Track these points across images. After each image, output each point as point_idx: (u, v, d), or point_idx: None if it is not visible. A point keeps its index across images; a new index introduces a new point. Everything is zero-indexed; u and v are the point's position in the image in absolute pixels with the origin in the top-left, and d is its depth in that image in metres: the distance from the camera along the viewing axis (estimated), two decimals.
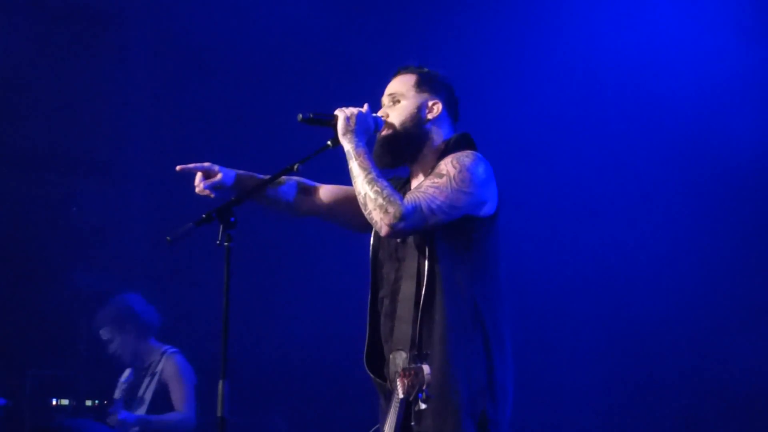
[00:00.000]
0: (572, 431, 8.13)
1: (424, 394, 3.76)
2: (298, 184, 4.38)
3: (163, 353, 7.11)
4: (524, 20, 8.42)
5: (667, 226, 8.25)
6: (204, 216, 4.02)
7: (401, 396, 3.82)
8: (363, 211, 4.05)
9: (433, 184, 4.02)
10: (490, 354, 4.03)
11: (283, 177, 4.31)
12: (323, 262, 8.69)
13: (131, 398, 6.94)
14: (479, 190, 4.05)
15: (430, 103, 4.24)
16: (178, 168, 4.26)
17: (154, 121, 8.67)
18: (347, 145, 4.12)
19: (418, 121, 4.22)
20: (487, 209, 4.09)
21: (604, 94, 8.34)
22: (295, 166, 4.19)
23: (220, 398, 3.96)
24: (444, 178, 4.02)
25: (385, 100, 4.28)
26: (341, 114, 4.17)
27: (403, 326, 4.04)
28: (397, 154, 4.23)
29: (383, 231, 4.00)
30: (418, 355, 3.88)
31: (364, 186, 4.04)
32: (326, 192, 4.37)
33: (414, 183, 4.23)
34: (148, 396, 6.99)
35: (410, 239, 4.10)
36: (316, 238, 8.61)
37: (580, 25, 8.35)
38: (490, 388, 4.02)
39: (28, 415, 8.18)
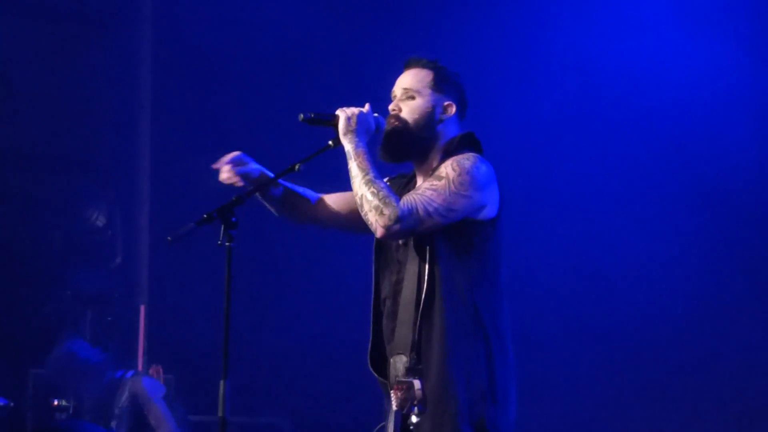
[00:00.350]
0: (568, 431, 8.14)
1: (416, 408, 3.78)
2: (305, 193, 4.38)
3: (125, 381, 7.09)
4: (525, 22, 8.43)
5: (663, 227, 8.27)
6: (205, 216, 4.02)
7: (395, 408, 3.84)
8: (360, 211, 4.05)
9: (431, 186, 4.01)
10: (491, 358, 4.02)
11: (301, 189, 4.32)
12: (326, 261, 8.69)
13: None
14: (478, 193, 4.03)
15: (444, 104, 4.21)
16: (214, 166, 4.26)
17: (155, 120, 8.67)
18: (347, 145, 4.11)
19: (431, 122, 4.20)
20: (488, 212, 4.08)
21: (602, 98, 8.36)
22: (297, 166, 4.19)
23: (221, 398, 3.96)
24: (443, 181, 4.01)
25: (398, 92, 4.24)
26: (342, 114, 4.16)
27: (404, 330, 4.04)
28: (405, 152, 4.21)
29: (378, 232, 4.00)
30: (417, 361, 3.89)
31: (361, 187, 4.03)
32: (331, 200, 4.37)
33: (419, 181, 4.22)
34: (125, 425, 6.98)
35: (411, 242, 4.09)
36: (319, 237, 8.57)
37: (582, 29, 8.36)
38: (492, 393, 4.00)
39: (30, 415, 8.18)
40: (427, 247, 4.04)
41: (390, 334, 4.13)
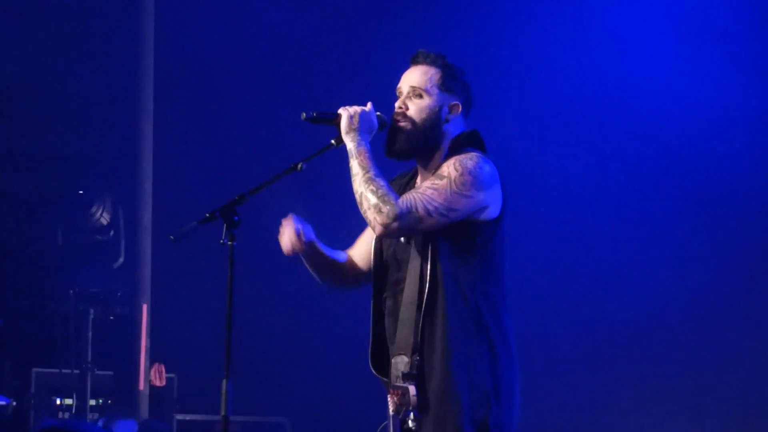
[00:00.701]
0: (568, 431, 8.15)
1: (412, 414, 3.79)
2: (336, 255, 4.37)
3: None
4: (527, 24, 8.44)
5: (662, 229, 8.30)
6: (207, 215, 4.01)
7: (390, 412, 3.85)
8: (360, 210, 4.04)
9: (432, 185, 4.00)
10: (495, 358, 4.01)
11: (343, 257, 4.31)
12: None
13: None
14: (480, 193, 4.01)
15: (451, 104, 4.17)
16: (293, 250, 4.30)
17: (158, 120, 8.67)
18: (349, 143, 4.10)
19: (438, 122, 4.17)
20: (491, 213, 4.05)
21: (600, 99, 8.38)
22: (299, 165, 4.17)
23: (223, 397, 3.96)
24: (444, 180, 3.99)
25: (405, 88, 4.20)
26: (345, 112, 4.15)
27: (405, 330, 4.02)
28: (411, 150, 4.19)
29: (377, 230, 3.99)
30: (420, 362, 3.89)
31: (361, 185, 4.02)
32: (355, 255, 4.36)
33: (420, 179, 4.21)
34: None
35: (413, 241, 4.07)
36: (321, 236, 8.60)
37: (584, 36, 8.37)
38: (495, 393, 3.99)
39: (33, 413, 8.19)
40: (430, 246, 4.02)
41: (392, 334, 4.13)
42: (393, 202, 3.96)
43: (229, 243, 3.99)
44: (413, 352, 3.98)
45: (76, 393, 8.21)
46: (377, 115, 4.18)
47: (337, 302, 8.39)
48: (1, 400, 7.18)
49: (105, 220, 8.41)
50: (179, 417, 8.28)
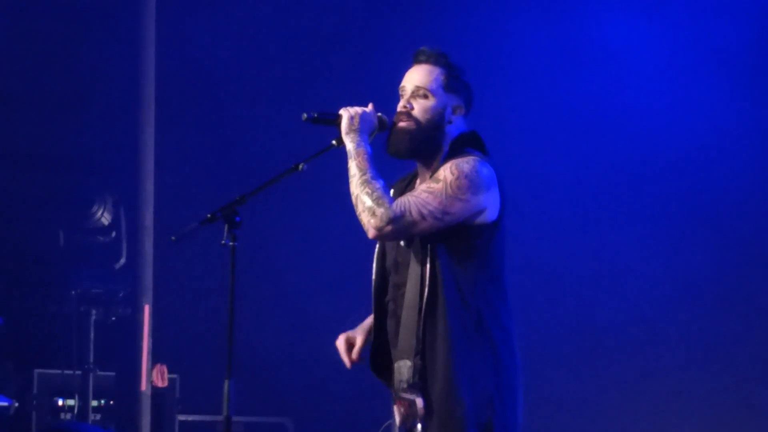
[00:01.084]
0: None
1: (420, 425, 3.80)
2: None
3: None
4: (529, 26, 8.44)
5: (659, 231, 8.33)
6: (209, 215, 4.01)
7: (398, 424, 3.86)
8: (355, 211, 4.04)
9: (428, 188, 3.99)
10: (497, 360, 4.00)
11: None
12: (330, 261, 8.69)
13: None
14: (476, 197, 4.00)
15: (454, 105, 4.17)
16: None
17: (159, 120, 8.66)
18: (349, 144, 4.10)
19: (441, 123, 4.16)
20: (488, 216, 4.04)
21: (598, 103, 8.40)
22: (300, 166, 4.18)
23: (225, 398, 3.96)
24: (440, 184, 3.98)
25: (409, 87, 4.19)
26: (345, 113, 4.15)
27: (408, 334, 4.02)
28: (414, 151, 4.18)
29: (370, 233, 3.98)
30: (422, 366, 3.90)
31: (357, 187, 4.02)
32: None
33: (420, 180, 4.20)
34: None
35: (413, 245, 4.07)
36: (323, 237, 8.61)
37: (583, 44, 8.40)
38: (499, 395, 3.98)
39: (35, 415, 8.19)
40: (429, 250, 4.02)
41: (394, 337, 4.13)
42: (387, 205, 3.95)
43: (231, 244, 3.99)
44: (415, 356, 3.98)
45: (78, 394, 8.21)
46: (378, 116, 4.19)
47: (339, 303, 8.39)
48: (3, 401, 7.17)
49: (106, 220, 8.41)
50: (181, 418, 8.29)
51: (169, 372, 8.13)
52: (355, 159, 4.06)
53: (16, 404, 7.38)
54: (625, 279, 8.39)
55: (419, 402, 3.80)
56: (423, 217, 3.95)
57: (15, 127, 8.70)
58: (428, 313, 3.99)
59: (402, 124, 4.16)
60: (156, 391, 8.06)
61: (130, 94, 8.59)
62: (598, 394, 8.31)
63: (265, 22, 8.73)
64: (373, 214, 3.95)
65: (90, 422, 8.13)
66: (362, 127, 4.12)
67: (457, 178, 3.99)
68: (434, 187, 3.99)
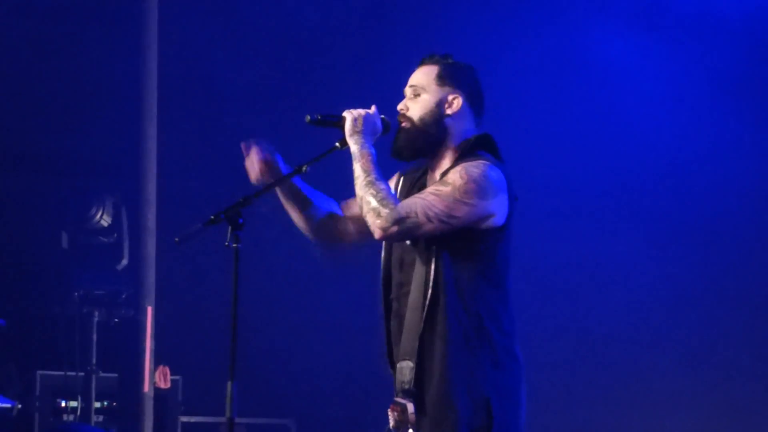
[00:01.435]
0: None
1: (411, 430, 3.82)
2: (333, 213, 4.33)
3: None
4: (532, 28, 8.45)
5: (657, 234, 8.35)
6: (212, 217, 4.01)
7: (391, 426, 3.87)
8: (361, 213, 4.04)
9: (435, 191, 3.99)
10: (497, 364, 3.99)
11: (325, 197, 4.29)
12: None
13: None
14: (483, 202, 3.99)
15: (450, 98, 4.16)
16: (247, 157, 4.25)
17: (162, 121, 8.67)
18: (353, 146, 4.10)
19: (437, 117, 4.16)
20: (495, 221, 4.03)
21: (596, 107, 8.42)
22: (304, 168, 4.18)
23: (228, 400, 3.96)
24: (448, 188, 3.97)
25: (407, 91, 4.21)
26: (349, 115, 4.15)
27: (410, 335, 4.02)
28: (414, 149, 4.18)
29: (376, 234, 3.98)
30: (420, 368, 3.90)
31: (362, 188, 4.02)
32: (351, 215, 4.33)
33: (429, 178, 4.20)
34: None
35: (419, 247, 4.07)
36: None
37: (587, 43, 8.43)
38: (498, 400, 3.97)
39: (37, 416, 8.19)
40: (434, 252, 4.01)
41: (396, 336, 4.13)
42: (392, 206, 3.95)
43: (234, 245, 3.98)
44: (415, 358, 3.98)
45: (80, 395, 8.21)
46: (381, 118, 4.19)
47: (343, 305, 8.40)
48: (6, 403, 7.17)
49: (105, 222, 8.40)
50: (184, 419, 8.29)
51: (172, 373, 8.13)
52: (360, 161, 4.06)
53: (19, 406, 7.38)
54: (623, 283, 8.41)
55: (410, 407, 3.82)
56: (429, 219, 3.95)
57: (18, 128, 8.70)
58: (429, 315, 3.99)
59: (401, 125, 4.17)
60: (159, 393, 8.06)
61: (133, 95, 8.60)
62: (597, 395, 8.32)
63: (267, 23, 8.73)
64: (379, 215, 3.95)
65: (92, 424, 8.13)
66: (366, 129, 4.12)
67: (466, 182, 3.98)
68: (442, 190, 3.98)
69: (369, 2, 8.81)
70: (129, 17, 8.69)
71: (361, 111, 4.16)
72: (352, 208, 4.27)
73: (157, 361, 8.14)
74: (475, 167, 4.03)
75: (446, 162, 4.14)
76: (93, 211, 8.34)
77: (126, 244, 8.42)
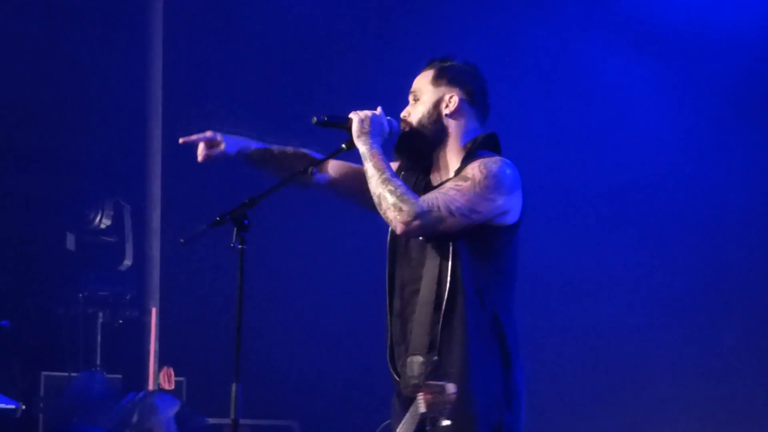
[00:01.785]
0: None
1: (447, 411, 3.75)
2: (307, 156, 4.33)
3: (135, 402, 7.11)
4: (529, 37, 8.46)
5: (653, 236, 8.36)
6: (217, 218, 4.01)
7: (422, 411, 3.80)
8: (378, 210, 4.04)
9: (455, 186, 4.00)
10: (508, 362, 4.01)
11: (292, 148, 4.30)
12: (337, 264, 8.69)
13: None
14: (502, 198, 4.01)
15: (446, 97, 4.18)
16: (181, 140, 4.25)
17: (166, 122, 8.67)
18: (362, 147, 4.10)
19: (435, 118, 4.18)
20: (509, 217, 4.06)
21: (593, 112, 8.44)
22: (309, 169, 4.19)
23: (233, 401, 3.95)
24: (468, 182, 3.99)
25: (409, 98, 4.24)
26: (355, 117, 4.15)
27: (421, 330, 4.02)
28: (415, 153, 4.20)
29: (398, 229, 3.99)
30: (439, 362, 3.88)
31: (378, 186, 4.02)
32: (335, 167, 4.33)
33: (433, 177, 4.20)
34: None
35: (430, 242, 4.07)
36: (332, 241, 8.61)
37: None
38: (506, 397, 3.99)
39: (42, 417, 8.19)
40: (450, 248, 4.02)
41: (399, 334, 4.12)
42: (413, 201, 3.96)
43: (239, 247, 3.98)
44: (428, 352, 3.97)
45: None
46: (387, 119, 4.19)
47: (347, 307, 8.39)
48: (10, 404, 7.17)
49: (105, 225, 8.40)
50: None
51: (176, 375, 8.14)
52: (371, 160, 4.07)
53: (23, 407, 7.38)
54: (623, 284, 8.42)
55: (450, 387, 3.76)
56: (451, 213, 3.96)
57: (23, 130, 8.70)
58: (447, 310, 3.99)
59: (403, 131, 4.19)
60: None
61: (137, 96, 8.61)
62: (597, 396, 8.32)
63: (273, 23, 8.73)
64: (400, 210, 3.96)
65: None
66: (373, 130, 4.13)
67: (485, 177, 4.00)
68: (462, 185, 3.99)
69: (374, 5, 8.81)
70: (134, 18, 8.70)
71: (368, 112, 4.16)
72: (340, 172, 4.30)
73: (161, 362, 8.15)
74: (494, 163, 4.05)
75: (453, 161, 4.15)
76: (92, 215, 8.34)
77: (129, 245, 8.43)
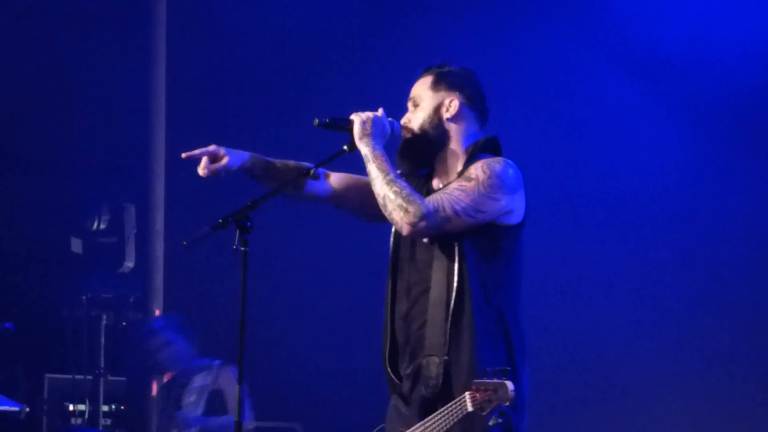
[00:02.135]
0: None
1: (501, 409, 3.75)
2: (310, 170, 4.32)
3: (213, 368, 7.16)
4: (536, 31, 8.46)
5: (651, 238, 8.37)
6: (220, 220, 4.01)
7: (470, 409, 3.80)
8: (383, 212, 4.04)
9: (460, 186, 4.01)
10: (513, 362, 4.02)
11: (295, 162, 4.29)
12: (341, 267, 8.69)
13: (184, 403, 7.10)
14: (506, 197, 4.03)
15: (446, 101, 4.19)
16: (184, 155, 4.24)
17: (170, 124, 8.68)
18: (364, 148, 4.10)
19: (436, 123, 4.19)
20: (514, 218, 4.08)
21: (592, 116, 8.45)
22: (312, 171, 4.19)
23: (236, 403, 3.96)
24: (472, 182, 4.00)
25: (409, 105, 4.26)
26: (357, 118, 4.15)
27: (435, 331, 4.02)
28: (418, 158, 4.21)
29: (405, 230, 3.99)
30: (449, 362, 3.89)
31: (383, 188, 4.03)
32: (336, 179, 4.34)
33: (435, 182, 4.20)
34: (202, 401, 7.10)
35: (436, 243, 4.07)
36: (335, 244, 8.61)
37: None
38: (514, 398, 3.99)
39: (46, 419, 8.19)
40: (456, 248, 4.03)
41: (405, 335, 4.11)
42: (419, 201, 3.97)
43: (242, 249, 3.98)
44: (446, 353, 3.97)
45: (88, 399, 8.22)
46: (389, 121, 4.19)
47: (350, 309, 8.39)
48: (14, 406, 7.18)
49: (104, 226, 8.41)
50: None
51: None
52: (374, 162, 4.07)
53: (27, 409, 7.38)
54: (622, 285, 8.42)
55: (509, 384, 3.75)
56: (456, 213, 3.97)
57: (26, 131, 8.72)
58: (455, 310, 3.99)
59: (405, 138, 4.20)
60: None
61: (141, 99, 8.62)
62: (595, 397, 8.32)
63: (276, 27, 8.73)
64: (406, 210, 3.97)
65: (100, 427, 8.14)
66: (375, 132, 4.13)
67: (489, 177, 4.01)
68: (466, 186, 4.00)
69: (375, 7, 8.82)
70: (138, 19, 8.72)
71: (369, 114, 4.17)
72: (342, 183, 4.30)
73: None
74: (497, 163, 4.07)
75: (456, 165, 4.15)
76: (89, 223, 8.35)
77: (129, 247, 8.43)
